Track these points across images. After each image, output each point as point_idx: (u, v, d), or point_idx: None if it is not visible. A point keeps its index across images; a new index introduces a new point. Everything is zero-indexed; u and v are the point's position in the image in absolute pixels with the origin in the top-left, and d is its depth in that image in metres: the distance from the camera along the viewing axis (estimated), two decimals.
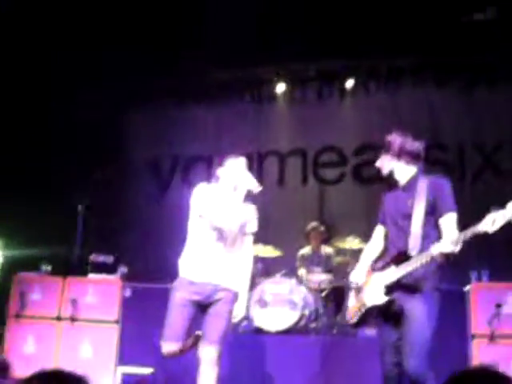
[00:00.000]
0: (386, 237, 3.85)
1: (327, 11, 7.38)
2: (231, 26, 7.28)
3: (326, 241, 7.52)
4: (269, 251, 7.12)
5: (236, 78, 8.56)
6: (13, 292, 6.40)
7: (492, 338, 5.20)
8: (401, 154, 3.73)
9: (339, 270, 7.11)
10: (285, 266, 7.12)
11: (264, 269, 7.07)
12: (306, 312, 6.39)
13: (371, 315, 3.73)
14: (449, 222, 3.51)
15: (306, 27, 7.47)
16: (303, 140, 8.49)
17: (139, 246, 8.11)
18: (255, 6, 7.24)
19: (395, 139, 3.80)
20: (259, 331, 6.35)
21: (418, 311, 3.45)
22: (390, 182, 3.81)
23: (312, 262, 7.25)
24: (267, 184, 8.57)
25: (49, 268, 6.57)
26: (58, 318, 6.23)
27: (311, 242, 7.47)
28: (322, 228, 7.46)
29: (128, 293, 6.34)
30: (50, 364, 6.03)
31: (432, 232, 3.56)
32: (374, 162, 7.97)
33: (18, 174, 7.55)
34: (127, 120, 8.76)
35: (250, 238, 4.32)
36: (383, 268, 3.61)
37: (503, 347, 5.18)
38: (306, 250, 7.46)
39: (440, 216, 3.56)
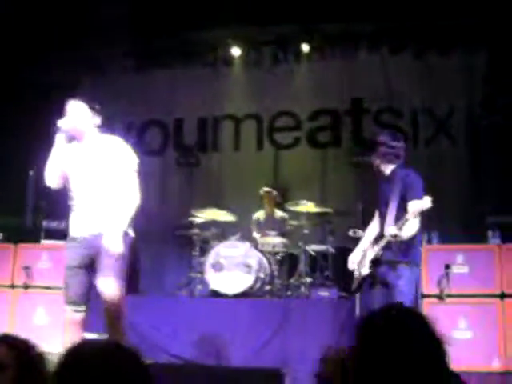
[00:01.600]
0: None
1: None
2: None
3: (280, 205, 7.56)
4: (223, 215, 7.12)
5: (191, 41, 8.43)
6: None
7: (441, 297, 5.35)
8: (386, 154, 4.39)
9: (293, 233, 7.18)
10: (239, 230, 7.16)
11: (219, 233, 7.09)
12: (261, 275, 6.46)
13: (364, 283, 4.44)
14: (410, 207, 4.09)
15: None
16: (259, 105, 8.45)
17: None
18: None
19: (383, 141, 4.43)
20: (215, 294, 6.40)
21: (397, 282, 4.15)
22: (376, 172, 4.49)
23: (266, 225, 7.30)
24: (222, 148, 8.57)
25: (0, 236, 6.46)
26: (12, 286, 6.15)
27: (265, 207, 7.50)
28: (276, 192, 7.49)
29: None
30: (4, 331, 5.96)
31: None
32: (329, 127, 8.15)
33: None
34: (82, 82, 8.54)
35: (126, 175, 4.08)
36: (371, 246, 4.40)
37: (452, 306, 5.35)
38: (260, 214, 7.50)
39: (408, 202, 4.16)
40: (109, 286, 3.89)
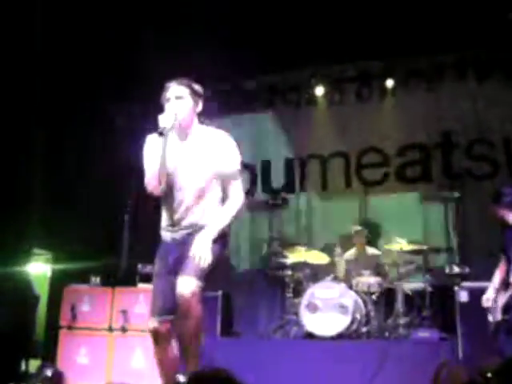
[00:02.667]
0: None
1: (364, 10, 7.29)
2: (268, 30, 7.26)
3: (371, 243, 7.44)
4: (315, 256, 7.06)
5: (274, 83, 8.54)
6: (63, 304, 6.48)
7: None
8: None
9: (388, 272, 7.01)
10: (332, 270, 7.06)
11: (311, 274, 7.02)
12: (357, 316, 6.32)
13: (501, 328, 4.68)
14: None
15: (341, 28, 7.40)
16: (345, 142, 8.41)
17: None
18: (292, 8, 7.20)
19: (509, 192, 4.78)
20: (310, 336, 6.30)
21: None
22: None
23: (359, 264, 7.17)
24: (310, 188, 8.55)
25: (98, 280, 6.63)
26: (110, 329, 6.27)
27: (356, 245, 7.40)
28: (366, 231, 7.39)
29: None
30: (103, 375, 6.08)
31: None
32: (418, 161, 7.99)
33: (66, 187, 7.62)
34: None
35: (229, 175, 3.70)
36: (502, 291, 4.71)
37: None
38: (352, 253, 7.39)
39: None
40: (187, 285, 3.46)
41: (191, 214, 3.65)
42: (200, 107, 3.74)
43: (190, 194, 3.64)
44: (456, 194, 7.62)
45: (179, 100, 3.64)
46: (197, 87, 3.73)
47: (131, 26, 7.12)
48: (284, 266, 7.02)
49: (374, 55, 7.89)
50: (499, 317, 4.63)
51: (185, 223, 3.66)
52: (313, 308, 6.34)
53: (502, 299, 4.62)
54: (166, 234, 3.73)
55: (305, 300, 6.41)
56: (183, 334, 3.51)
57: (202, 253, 3.46)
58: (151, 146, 3.64)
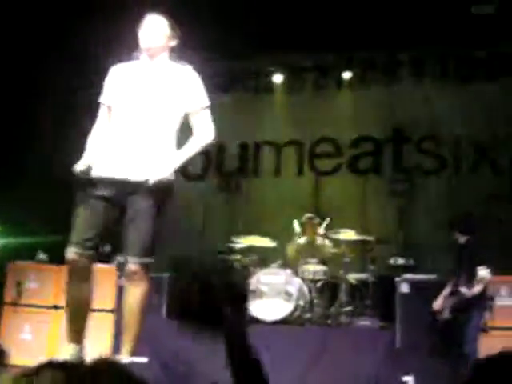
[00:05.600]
0: None
1: (325, 2, 7.35)
2: (231, 16, 7.26)
3: (320, 232, 7.54)
4: (264, 242, 7.14)
5: (233, 68, 8.55)
6: (8, 280, 6.42)
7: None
8: None
9: (334, 261, 7.14)
10: (280, 256, 7.17)
11: (259, 259, 7.10)
12: (301, 303, 6.44)
13: None
14: None
15: (302, 18, 7.45)
16: (300, 131, 8.50)
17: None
18: None
19: None
20: (254, 321, 6.39)
21: None
22: None
23: (307, 252, 7.27)
24: (263, 175, 8.62)
25: (45, 256, 6.59)
26: (55, 307, 6.26)
27: (306, 233, 7.48)
28: (317, 219, 7.47)
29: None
30: (45, 352, 6.07)
31: None
32: (370, 153, 8.13)
33: (18, 162, 7.50)
34: None
35: (200, 114, 3.60)
36: None
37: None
38: (300, 241, 7.48)
39: None
40: (139, 269, 3.31)
41: (145, 152, 3.45)
42: (174, 42, 3.66)
43: (145, 126, 3.46)
44: (404, 187, 7.82)
45: (154, 25, 3.59)
46: (174, 23, 3.69)
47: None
48: (233, 251, 7.08)
49: (332, 47, 7.96)
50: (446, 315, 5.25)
51: (134, 163, 3.42)
52: (258, 293, 6.44)
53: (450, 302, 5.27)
54: (104, 170, 3.49)
55: (251, 285, 6.50)
56: (130, 304, 3.39)
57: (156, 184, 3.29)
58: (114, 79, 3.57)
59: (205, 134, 3.59)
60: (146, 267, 3.35)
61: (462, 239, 5.44)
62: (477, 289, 5.13)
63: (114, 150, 3.44)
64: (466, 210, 6.11)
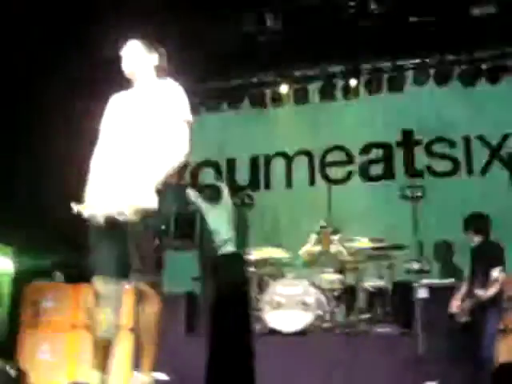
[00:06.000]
0: None
1: (330, 10, 7.37)
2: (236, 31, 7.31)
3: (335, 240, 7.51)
4: (279, 253, 7.12)
5: (240, 82, 8.58)
6: (25, 300, 6.43)
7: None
8: None
9: (350, 269, 7.11)
10: (296, 267, 7.14)
11: (275, 270, 7.08)
12: (320, 312, 6.41)
13: None
14: None
15: (307, 29, 7.48)
16: (309, 141, 8.51)
17: None
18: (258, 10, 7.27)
19: None
20: (273, 332, 6.37)
21: None
22: None
23: (323, 262, 7.24)
24: (275, 186, 8.62)
25: (61, 276, 6.60)
26: (73, 326, 6.26)
27: (321, 243, 7.46)
28: (331, 228, 7.45)
29: None
30: (64, 371, 6.06)
31: None
32: (381, 159, 8.11)
33: (31, 184, 7.51)
34: None
35: (180, 126, 3.41)
36: None
37: None
38: (316, 250, 7.45)
39: None
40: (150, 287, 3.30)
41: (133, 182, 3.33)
42: (155, 61, 3.56)
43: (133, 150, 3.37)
44: (417, 192, 7.78)
45: (129, 51, 3.56)
46: (154, 42, 3.62)
47: None
48: (248, 264, 7.05)
49: (337, 57, 8.01)
50: (463, 318, 5.15)
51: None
52: (276, 305, 6.41)
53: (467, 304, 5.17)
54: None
55: (267, 296, 6.47)
56: (144, 325, 3.38)
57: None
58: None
59: (177, 148, 3.37)
60: (155, 286, 3.34)
61: (477, 239, 5.39)
62: (492, 290, 5.05)
63: (104, 183, 3.42)
64: (479, 211, 6.02)
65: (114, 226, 3.28)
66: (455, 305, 5.32)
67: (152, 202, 3.20)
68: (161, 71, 3.58)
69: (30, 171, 7.53)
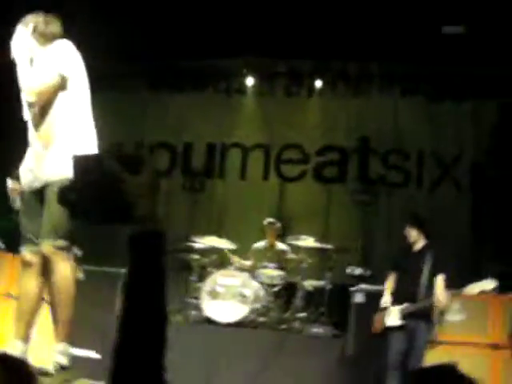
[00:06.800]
0: None
1: (303, 9, 7.38)
2: (207, 16, 7.26)
3: (282, 237, 7.56)
4: (224, 243, 7.13)
5: (206, 67, 8.53)
6: None
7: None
8: None
9: (292, 267, 7.17)
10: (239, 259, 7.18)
11: (218, 260, 7.10)
12: (257, 306, 6.45)
13: None
14: None
15: (278, 24, 7.48)
16: (268, 135, 8.52)
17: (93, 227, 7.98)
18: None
19: None
20: (209, 321, 6.39)
21: None
22: None
23: (266, 257, 7.29)
24: (229, 176, 8.61)
25: (2, 244, 6.46)
26: (8, 295, 6.14)
27: (267, 237, 7.50)
28: (279, 224, 7.49)
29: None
30: None
31: None
32: (335, 162, 8.19)
33: None
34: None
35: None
36: None
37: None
38: (260, 245, 7.50)
39: None
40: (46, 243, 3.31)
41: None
42: (31, 29, 3.45)
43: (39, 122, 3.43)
44: (367, 199, 7.91)
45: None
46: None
47: None
48: (192, 250, 7.05)
49: (306, 54, 8.02)
50: (396, 322, 5.08)
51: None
52: (214, 294, 6.43)
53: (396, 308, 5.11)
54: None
55: (207, 285, 6.49)
56: (53, 295, 3.37)
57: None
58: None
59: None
60: (62, 250, 3.35)
61: (419, 245, 5.29)
62: (430, 300, 5.01)
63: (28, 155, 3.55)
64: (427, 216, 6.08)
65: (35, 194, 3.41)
66: (384, 301, 5.26)
67: (64, 171, 3.15)
68: (46, 37, 3.48)
69: None
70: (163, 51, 8.07)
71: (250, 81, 8.59)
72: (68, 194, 3.26)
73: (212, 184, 8.54)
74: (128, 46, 7.72)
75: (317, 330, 6.41)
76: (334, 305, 6.66)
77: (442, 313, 5.30)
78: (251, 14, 7.40)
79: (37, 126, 3.43)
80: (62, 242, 3.33)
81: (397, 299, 5.21)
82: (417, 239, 5.30)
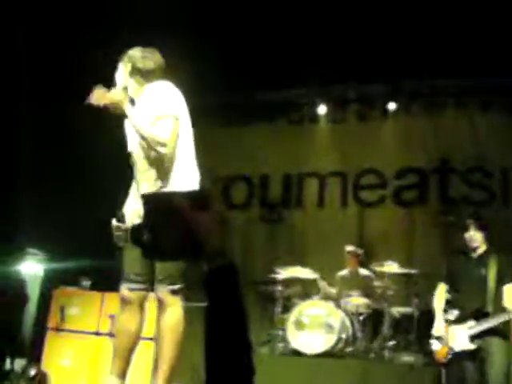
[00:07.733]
0: None
1: (369, 34, 7.36)
2: (275, 48, 7.34)
3: (364, 264, 7.45)
4: (307, 273, 7.08)
5: (278, 99, 8.60)
6: (53, 306, 6.49)
7: None
8: None
9: (377, 294, 7.02)
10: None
11: (302, 290, 7.04)
12: (343, 336, 6.33)
13: None
14: None
15: (347, 49, 7.47)
16: (344, 162, 8.46)
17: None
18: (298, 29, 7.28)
19: None
20: (296, 353, 6.32)
21: None
22: None
23: (350, 285, 7.18)
24: (307, 205, 8.58)
25: (88, 283, 6.64)
26: (97, 334, 6.29)
27: (348, 265, 7.41)
28: (360, 251, 7.40)
29: None
30: (86, 378, 6.09)
31: None
32: (415, 185, 8.01)
33: (63, 187, 7.58)
34: None
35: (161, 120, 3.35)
36: None
37: None
38: (343, 273, 7.40)
39: None
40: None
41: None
42: (129, 68, 3.50)
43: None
44: (451, 220, 7.66)
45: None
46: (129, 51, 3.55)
47: None
48: (275, 282, 7.03)
49: (376, 77, 7.95)
50: (466, 345, 4.73)
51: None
52: (300, 325, 6.36)
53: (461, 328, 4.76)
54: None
55: (292, 316, 6.43)
56: (162, 336, 3.37)
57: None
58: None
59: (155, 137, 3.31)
60: (175, 294, 3.36)
61: (481, 250, 4.97)
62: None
63: (131, 196, 3.62)
64: None
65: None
66: (437, 327, 5.02)
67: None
68: (148, 75, 3.50)
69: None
70: (237, 85, 8.18)
71: (322, 109, 8.59)
72: (139, 234, 3.39)
73: (290, 214, 8.52)
74: (204, 81, 7.87)
75: (407, 358, 6.21)
76: (423, 332, 6.45)
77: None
78: (319, 42, 7.43)
79: (143, 167, 3.43)
80: (177, 287, 3.36)
81: (460, 316, 4.87)
82: (481, 244, 4.99)
